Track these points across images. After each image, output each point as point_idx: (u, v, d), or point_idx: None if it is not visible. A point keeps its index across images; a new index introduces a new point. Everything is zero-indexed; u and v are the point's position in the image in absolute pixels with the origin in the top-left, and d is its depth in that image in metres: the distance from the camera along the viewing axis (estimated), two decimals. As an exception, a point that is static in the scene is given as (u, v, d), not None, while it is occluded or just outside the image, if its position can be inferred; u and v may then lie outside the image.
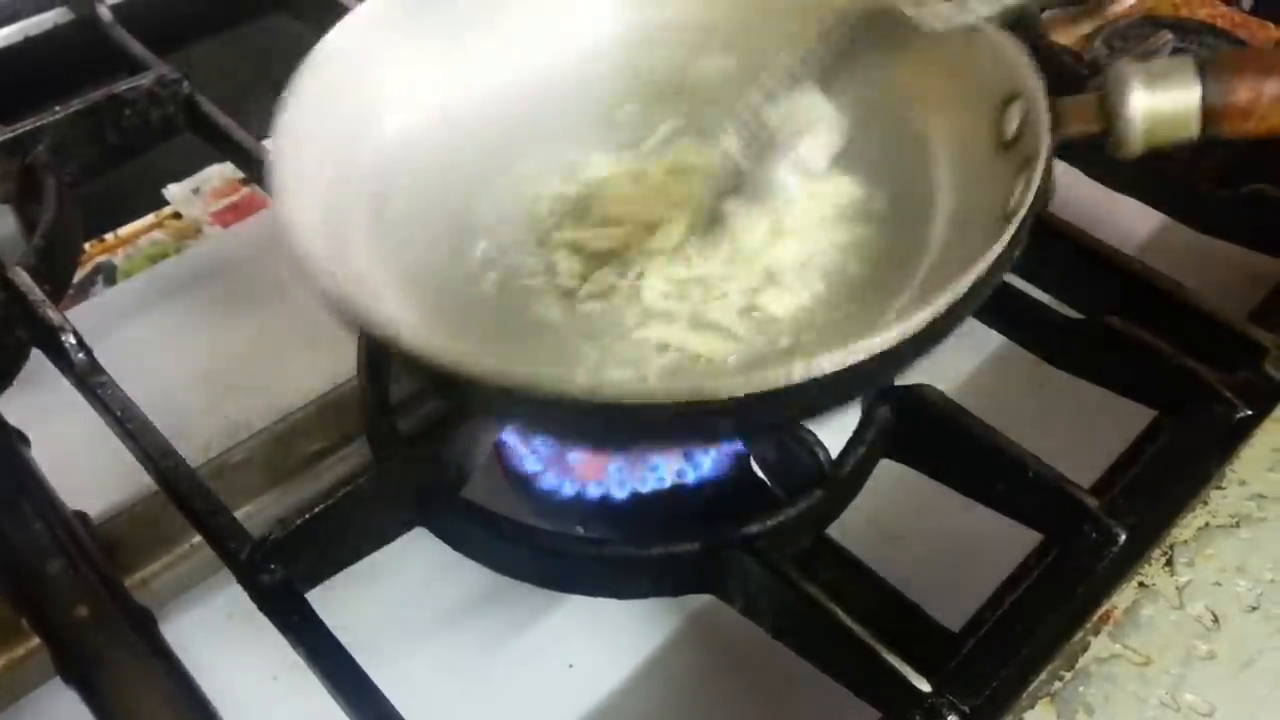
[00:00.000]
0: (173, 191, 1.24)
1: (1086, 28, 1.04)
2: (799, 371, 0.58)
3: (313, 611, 0.69)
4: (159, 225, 1.20)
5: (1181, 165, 0.92)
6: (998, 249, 0.63)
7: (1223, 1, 1.07)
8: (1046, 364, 0.86)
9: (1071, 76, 0.95)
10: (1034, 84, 0.72)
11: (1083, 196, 0.95)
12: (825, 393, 0.61)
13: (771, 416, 0.66)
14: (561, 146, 0.86)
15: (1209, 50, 1.01)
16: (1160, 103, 0.70)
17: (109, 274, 1.15)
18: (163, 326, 1.04)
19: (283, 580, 0.70)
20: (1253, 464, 0.73)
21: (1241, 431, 0.76)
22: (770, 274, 0.76)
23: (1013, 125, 0.74)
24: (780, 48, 0.82)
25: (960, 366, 0.93)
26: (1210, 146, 0.72)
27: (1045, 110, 0.71)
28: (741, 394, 0.58)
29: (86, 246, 1.16)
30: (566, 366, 0.72)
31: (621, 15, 0.91)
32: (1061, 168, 0.71)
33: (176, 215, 1.22)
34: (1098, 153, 0.72)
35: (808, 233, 0.78)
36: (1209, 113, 0.70)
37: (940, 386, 0.77)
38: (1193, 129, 0.70)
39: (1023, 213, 0.65)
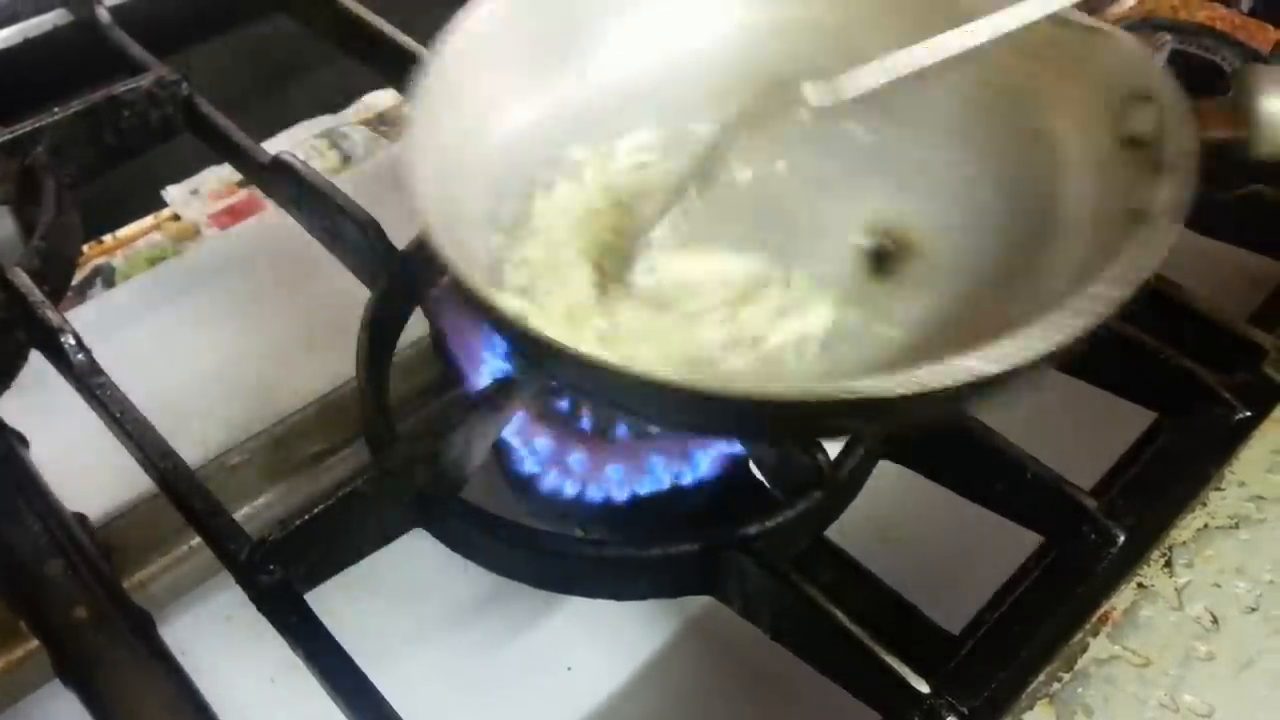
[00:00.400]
0: (171, 193, 1.24)
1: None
2: (965, 370, 0.58)
3: (312, 612, 0.69)
4: (158, 227, 1.20)
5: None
6: (1159, 247, 0.63)
7: (1221, 3, 1.06)
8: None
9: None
10: (1171, 87, 0.71)
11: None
12: (982, 394, 0.61)
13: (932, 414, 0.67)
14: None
15: (1208, 51, 1.01)
16: None
17: (108, 276, 1.15)
18: (162, 328, 1.04)
19: (281, 581, 0.70)
20: (1252, 465, 0.74)
21: (1241, 433, 0.76)
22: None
23: (1141, 124, 0.72)
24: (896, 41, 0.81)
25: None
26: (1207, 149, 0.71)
27: (1186, 112, 0.69)
28: (913, 391, 0.57)
29: (85, 248, 1.16)
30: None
31: (740, 14, 0.90)
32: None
33: (175, 217, 1.22)
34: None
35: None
36: None
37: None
38: None
39: (1173, 213, 0.65)
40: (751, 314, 0.75)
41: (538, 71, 0.85)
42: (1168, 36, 0.91)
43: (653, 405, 0.67)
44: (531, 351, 0.68)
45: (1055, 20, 0.78)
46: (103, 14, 1.13)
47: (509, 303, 0.66)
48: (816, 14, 0.88)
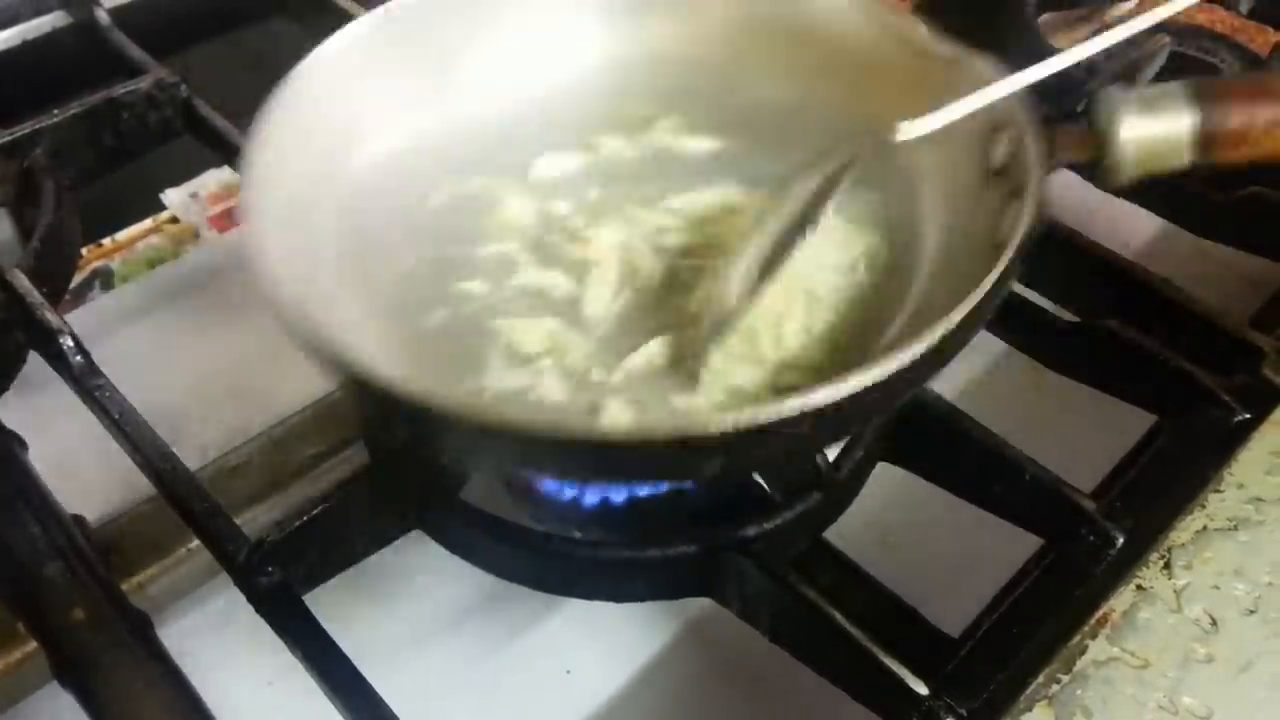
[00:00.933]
0: (170, 196, 1.24)
1: (1084, 32, 1.04)
2: (791, 406, 0.57)
3: (310, 614, 0.69)
4: (157, 230, 1.20)
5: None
6: (991, 280, 0.62)
7: (1220, 5, 1.06)
8: (1044, 368, 0.86)
9: (1069, 81, 0.94)
10: (1021, 113, 0.71)
11: (1081, 201, 0.95)
12: (822, 425, 0.60)
13: (762, 452, 0.65)
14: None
15: (1206, 53, 1.01)
16: (1152, 130, 0.69)
17: (106, 279, 1.15)
18: (160, 331, 1.04)
19: (280, 583, 0.70)
20: (1251, 467, 0.74)
21: (1240, 435, 0.76)
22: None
23: (1000, 154, 0.73)
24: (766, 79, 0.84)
25: (958, 370, 0.93)
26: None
27: (1035, 139, 0.70)
28: (732, 429, 0.57)
29: (84, 251, 1.16)
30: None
31: (605, 48, 0.90)
32: (1060, 172, 0.71)
33: (174, 220, 1.22)
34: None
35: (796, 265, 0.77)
36: (1201, 140, 0.69)
37: (938, 390, 0.77)
38: (1185, 157, 0.70)
39: (1015, 244, 0.64)
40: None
41: (402, 100, 0.84)
42: (1166, 38, 0.91)
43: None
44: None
45: (917, 52, 0.78)
46: (102, 16, 1.13)
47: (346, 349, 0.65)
48: (685, 49, 0.89)
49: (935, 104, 0.74)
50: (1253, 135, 0.69)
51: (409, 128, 0.84)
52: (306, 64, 0.79)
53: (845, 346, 0.72)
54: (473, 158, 0.84)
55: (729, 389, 0.69)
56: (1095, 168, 0.71)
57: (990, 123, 0.73)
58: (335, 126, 0.80)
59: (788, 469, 0.74)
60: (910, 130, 0.74)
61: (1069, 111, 0.82)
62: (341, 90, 0.81)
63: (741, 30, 0.88)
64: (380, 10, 0.84)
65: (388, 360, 0.70)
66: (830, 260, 0.76)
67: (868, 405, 0.60)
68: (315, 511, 0.71)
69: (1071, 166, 0.73)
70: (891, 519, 0.84)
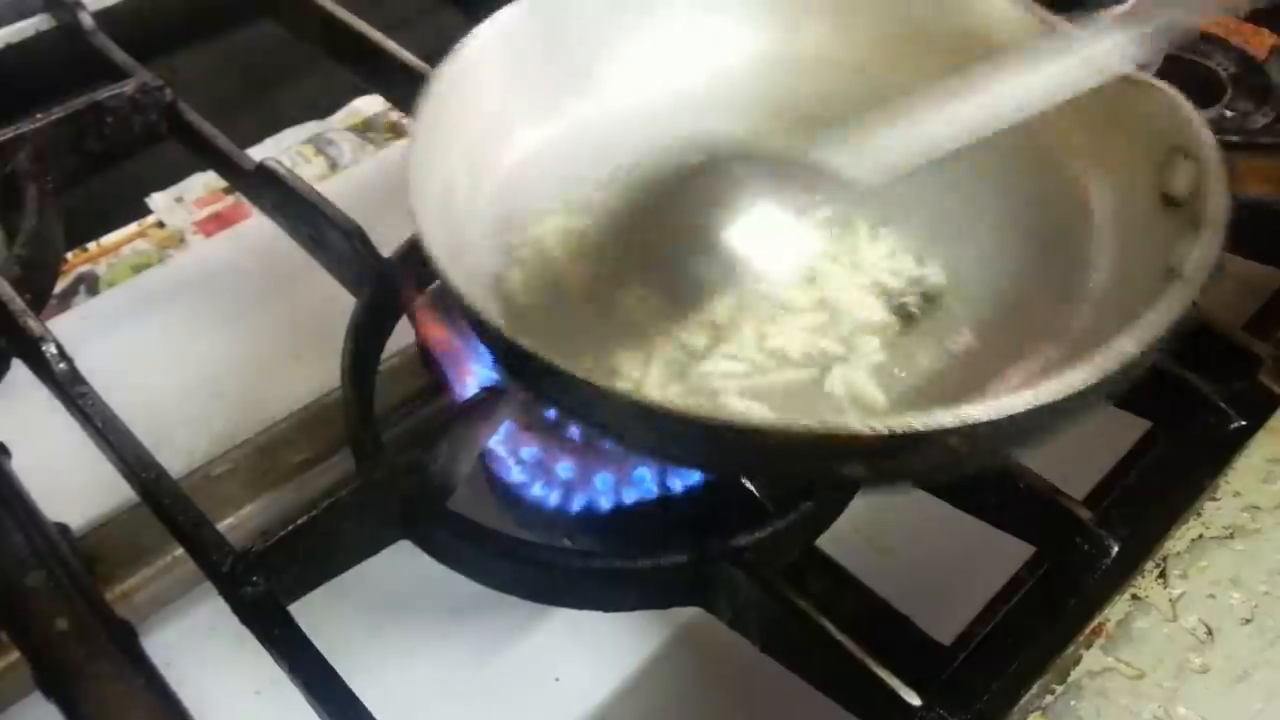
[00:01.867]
0: (156, 200, 1.23)
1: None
2: (952, 417, 0.56)
3: (295, 624, 0.68)
4: (142, 235, 1.20)
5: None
6: (1174, 308, 0.62)
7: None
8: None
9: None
10: (1208, 141, 0.70)
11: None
12: (983, 442, 0.59)
13: (912, 461, 0.62)
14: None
15: (1203, 56, 1.01)
16: None
17: (91, 284, 1.14)
18: (146, 336, 1.03)
19: (265, 593, 0.69)
20: (1247, 475, 0.73)
21: (1236, 442, 0.75)
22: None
23: (1180, 181, 0.71)
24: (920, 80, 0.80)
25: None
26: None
27: (1223, 170, 0.69)
28: (886, 432, 0.56)
29: (69, 256, 1.15)
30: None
31: (754, 44, 0.90)
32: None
33: (160, 224, 1.21)
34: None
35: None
36: None
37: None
38: None
39: (1202, 275, 0.63)
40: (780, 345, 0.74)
41: (547, 95, 0.85)
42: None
43: (646, 431, 0.65)
44: (520, 366, 0.66)
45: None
46: (86, 19, 1.12)
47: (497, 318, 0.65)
48: (834, 51, 0.88)
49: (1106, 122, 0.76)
50: None
51: (560, 121, 0.85)
52: (458, 55, 0.79)
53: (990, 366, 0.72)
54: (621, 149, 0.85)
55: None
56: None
57: (1167, 146, 0.72)
58: (481, 122, 0.80)
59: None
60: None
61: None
62: (489, 83, 0.81)
63: (897, 37, 0.87)
64: (524, 3, 0.84)
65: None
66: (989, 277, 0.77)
67: (1033, 427, 0.59)
68: (301, 521, 0.70)
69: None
70: (885, 526, 0.84)
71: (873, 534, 0.83)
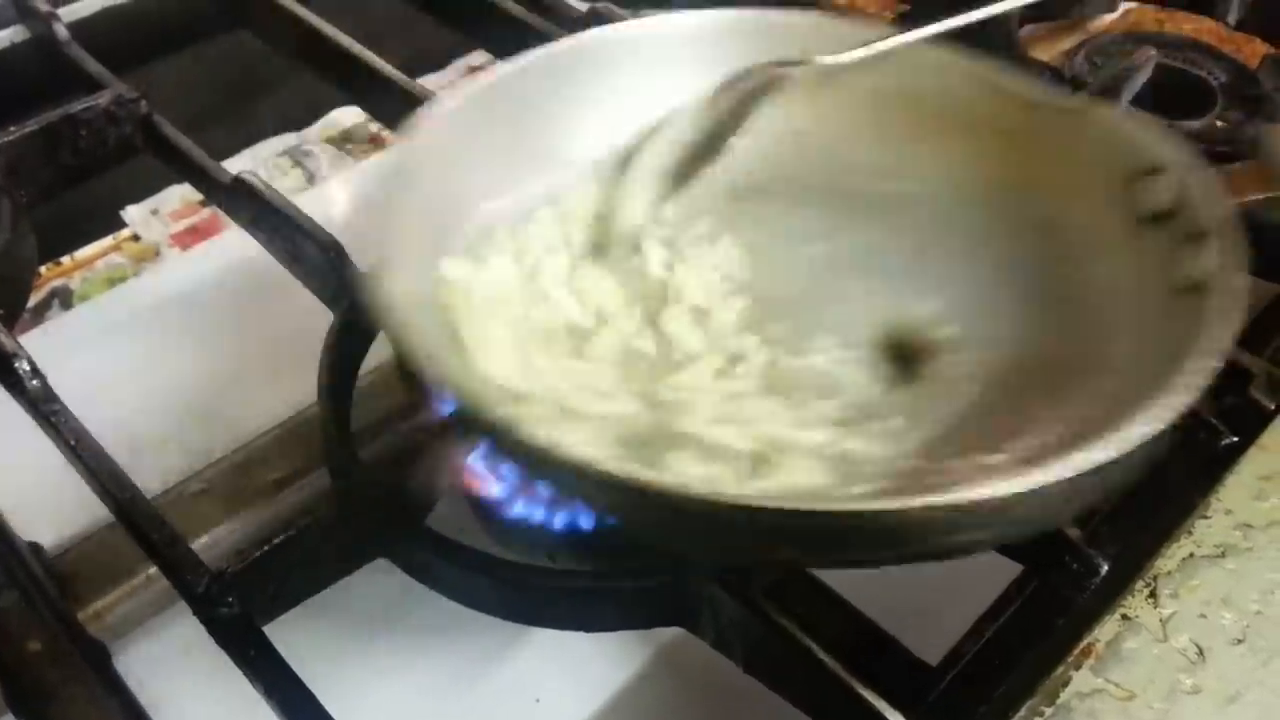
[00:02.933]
0: (131, 213, 1.23)
1: (1067, 43, 1.03)
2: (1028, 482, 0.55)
3: (270, 646, 0.67)
4: (117, 248, 1.19)
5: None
6: (1233, 313, 0.62)
7: (1207, 16, 1.06)
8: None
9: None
10: (1183, 155, 0.70)
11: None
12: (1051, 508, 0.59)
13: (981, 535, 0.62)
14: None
15: (1194, 65, 1.00)
16: None
17: (65, 298, 1.13)
18: (120, 352, 1.02)
19: (240, 614, 0.68)
20: (1238, 492, 0.72)
21: (1227, 459, 0.74)
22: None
23: (1158, 198, 0.71)
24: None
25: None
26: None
27: (1208, 178, 0.69)
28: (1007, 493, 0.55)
29: (43, 270, 1.15)
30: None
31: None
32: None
33: (135, 237, 1.20)
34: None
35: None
36: None
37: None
38: None
39: (1240, 280, 0.63)
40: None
41: (513, 164, 0.84)
42: (1152, 51, 0.90)
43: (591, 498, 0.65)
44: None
45: (1032, 106, 0.78)
46: (61, 31, 1.11)
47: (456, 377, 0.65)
48: (797, 124, 0.87)
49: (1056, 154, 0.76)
50: None
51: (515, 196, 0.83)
52: (410, 146, 0.79)
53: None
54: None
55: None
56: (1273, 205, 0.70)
57: (1133, 168, 0.73)
58: (443, 204, 0.79)
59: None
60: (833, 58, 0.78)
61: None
62: (444, 170, 0.80)
63: (849, 98, 0.87)
64: (482, 81, 0.84)
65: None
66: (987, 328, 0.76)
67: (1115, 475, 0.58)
68: (276, 541, 0.70)
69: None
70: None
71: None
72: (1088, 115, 0.76)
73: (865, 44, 0.82)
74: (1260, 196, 0.70)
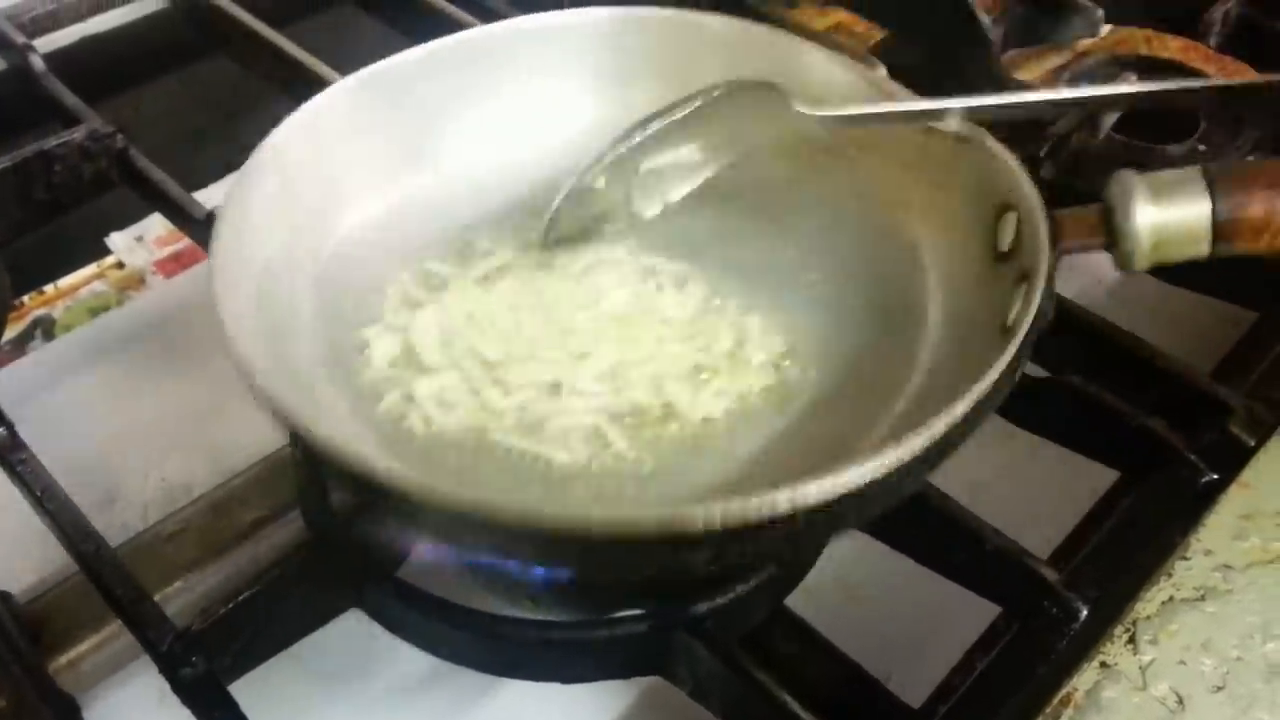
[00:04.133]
0: (115, 240, 1.21)
1: (1051, 64, 1.02)
2: (782, 499, 0.55)
3: (235, 705, 0.67)
4: (100, 276, 1.18)
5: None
6: (999, 368, 0.61)
7: (1190, 37, 1.04)
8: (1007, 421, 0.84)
9: (1035, 117, 0.92)
10: (1030, 195, 0.70)
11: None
12: (815, 522, 0.58)
13: (750, 548, 0.62)
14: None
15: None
16: (1168, 217, 0.66)
17: (48, 328, 1.12)
18: (102, 383, 1.02)
19: (205, 673, 0.67)
20: (1218, 532, 0.71)
21: (1207, 497, 0.73)
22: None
23: (1008, 236, 0.71)
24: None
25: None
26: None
27: (1043, 223, 0.68)
28: (717, 526, 0.55)
29: (25, 299, 1.14)
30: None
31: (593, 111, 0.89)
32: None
33: (119, 265, 1.19)
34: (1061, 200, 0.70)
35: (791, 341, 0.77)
36: (1220, 228, 0.66)
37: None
38: (1203, 246, 0.67)
39: (1024, 331, 0.63)
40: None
41: (385, 165, 0.84)
42: (1132, 76, 0.89)
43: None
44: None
45: (925, 129, 0.77)
46: (37, 62, 1.11)
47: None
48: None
49: (938, 180, 0.76)
50: (1275, 224, 0.66)
51: (385, 198, 0.84)
52: (280, 133, 0.78)
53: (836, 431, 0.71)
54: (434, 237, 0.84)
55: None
56: (1112, 252, 0.69)
57: (999, 203, 0.72)
58: (310, 198, 0.79)
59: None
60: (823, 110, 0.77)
61: (1033, 156, 0.81)
62: (315, 161, 0.80)
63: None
64: (357, 76, 0.84)
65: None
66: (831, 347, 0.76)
67: (866, 501, 0.58)
68: (242, 597, 0.69)
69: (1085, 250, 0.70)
70: (854, 582, 0.82)
71: (842, 589, 0.81)
72: (969, 145, 0.76)
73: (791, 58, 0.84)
74: (1089, 246, 0.68)
